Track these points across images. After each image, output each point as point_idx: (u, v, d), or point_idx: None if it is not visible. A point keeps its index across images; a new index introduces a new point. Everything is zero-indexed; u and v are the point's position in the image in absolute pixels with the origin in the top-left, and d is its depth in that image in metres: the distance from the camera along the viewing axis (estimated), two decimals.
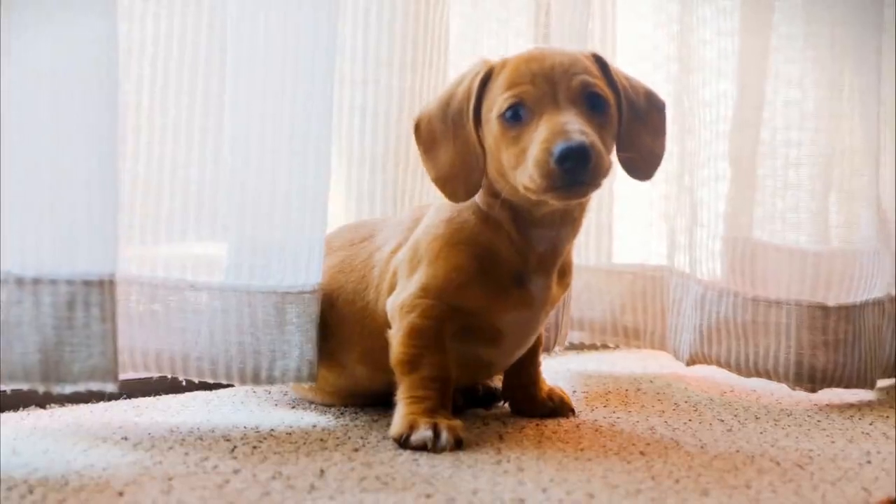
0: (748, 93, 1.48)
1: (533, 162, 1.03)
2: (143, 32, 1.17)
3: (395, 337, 1.14)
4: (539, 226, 1.13)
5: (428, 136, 1.14)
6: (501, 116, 1.08)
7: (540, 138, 1.03)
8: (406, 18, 1.40)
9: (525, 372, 1.27)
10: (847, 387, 1.44)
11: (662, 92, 1.57)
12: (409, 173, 1.43)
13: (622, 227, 1.69)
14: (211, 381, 1.19)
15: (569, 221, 1.14)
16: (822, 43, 1.47)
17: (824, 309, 1.42)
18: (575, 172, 1.01)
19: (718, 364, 1.48)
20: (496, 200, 1.13)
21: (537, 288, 1.15)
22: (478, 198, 1.14)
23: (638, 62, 1.64)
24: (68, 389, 1.01)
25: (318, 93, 1.17)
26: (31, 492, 0.89)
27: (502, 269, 1.13)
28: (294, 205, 1.18)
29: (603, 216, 1.64)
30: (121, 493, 0.89)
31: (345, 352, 1.21)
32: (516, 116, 1.07)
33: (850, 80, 1.48)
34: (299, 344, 1.18)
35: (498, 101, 1.08)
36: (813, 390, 1.44)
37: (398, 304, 1.14)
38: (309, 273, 1.19)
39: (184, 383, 1.24)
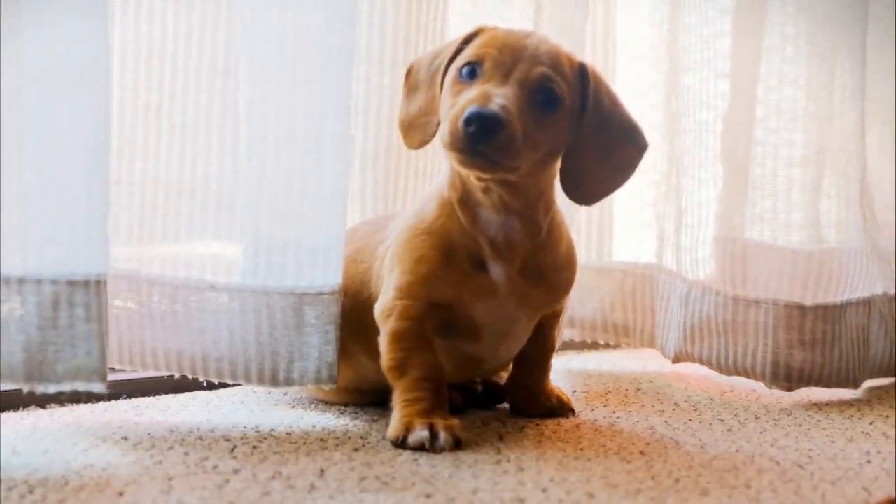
0: (739, 93, 1.48)
1: (449, 117, 1.05)
2: (163, 32, 1.17)
3: (382, 343, 1.14)
4: (482, 206, 1.13)
5: (413, 81, 1.18)
6: (458, 70, 1.09)
7: (465, 98, 1.05)
8: (398, 16, 1.40)
9: (532, 373, 1.26)
10: (827, 386, 1.44)
11: (660, 92, 1.58)
12: (400, 172, 1.43)
13: (617, 226, 1.68)
14: (231, 381, 1.19)
15: (512, 211, 1.13)
16: (812, 42, 1.47)
17: (801, 308, 1.43)
18: (476, 139, 1.02)
19: (701, 362, 1.49)
20: (457, 179, 1.14)
21: (498, 275, 1.14)
22: (446, 181, 1.15)
23: (635, 61, 1.64)
24: (52, 389, 1.01)
25: (334, 91, 1.17)
26: (31, 492, 0.89)
27: (461, 254, 1.13)
28: (311, 204, 1.18)
29: (594, 214, 1.64)
30: (121, 493, 0.89)
31: (352, 341, 1.21)
32: (471, 74, 1.08)
33: (841, 80, 1.48)
34: (318, 346, 1.18)
35: (463, 55, 1.10)
36: (789, 389, 1.44)
37: (380, 309, 1.15)
38: (327, 273, 1.18)
39: (204, 383, 1.24)
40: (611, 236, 1.66)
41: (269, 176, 1.17)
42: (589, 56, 1.56)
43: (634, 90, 1.63)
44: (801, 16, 1.47)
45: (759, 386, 1.50)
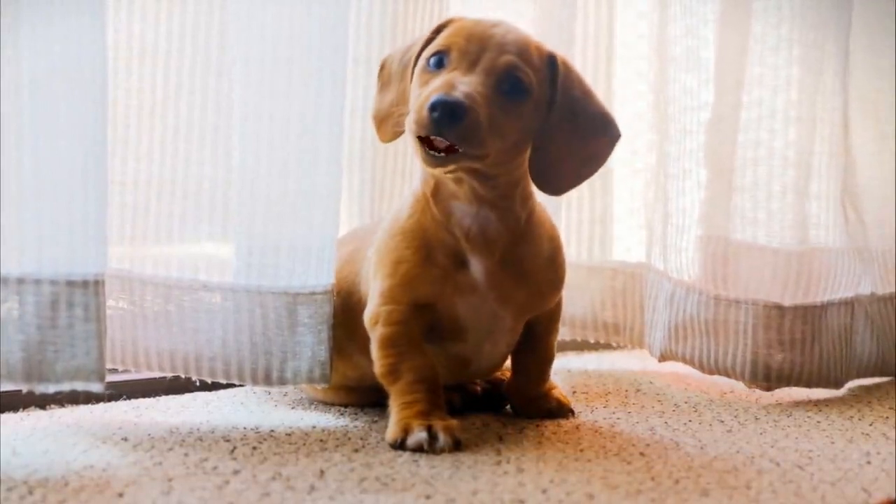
0: (723, 94, 1.49)
1: (415, 106, 1.05)
2: (156, 32, 1.18)
3: (373, 350, 1.14)
4: (456, 198, 1.13)
5: (386, 76, 1.18)
6: (426, 60, 1.10)
7: (431, 87, 1.05)
8: (384, 17, 1.40)
9: (531, 381, 1.26)
10: (807, 386, 1.45)
11: (656, 91, 1.58)
12: (387, 172, 1.43)
13: (617, 225, 1.68)
14: (224, 381, 1.20)
15: (486, 202, 1.12)
16: (794, 45, 1.47)
17: (780, 308, 1.43)
18: (440, 125, 1.01)
19: (684, 361, 1.49)
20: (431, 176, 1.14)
21: (477, 271, 1.13)
22: (420, 177, 1.15)
23: (635, 61, 1.64)
24: (52, 389, 1.02)
25: (328, 92, 1.17)
26: (31, 493, 0.89)
27: (439, 251, 1.13)
28: (305, 204, 1.18)
29: (585, 214, 1.63)
30: (121, 494, 0.89)
31: (349, 340, 1.22)
32: (439, 63, 1.08)
33: (825, 81, 1.49)
34: (311, 345, 1.18)
35: (431, 46, 1.10)
36: (769, 389, 1.45)
37: (368, 316, 1.15)
38: (320, 273, 1.19)
39: (197, 383, 1.24)
40: (609, 235, 1.66)
41: (262, 176, 1.17)
42: (580, 54, 1.57)
43: (634, 90, 1.63)
44: (785, 17, 1.47)
45: None
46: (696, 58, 1.49)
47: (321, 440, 1.12)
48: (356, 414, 1.25)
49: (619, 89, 1.63)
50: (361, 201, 1.43)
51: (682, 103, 1.50)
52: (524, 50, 1.10)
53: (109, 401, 1.27)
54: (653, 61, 1.58)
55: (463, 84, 1.04)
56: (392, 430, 1.10)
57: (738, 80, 1.49)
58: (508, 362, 1.28)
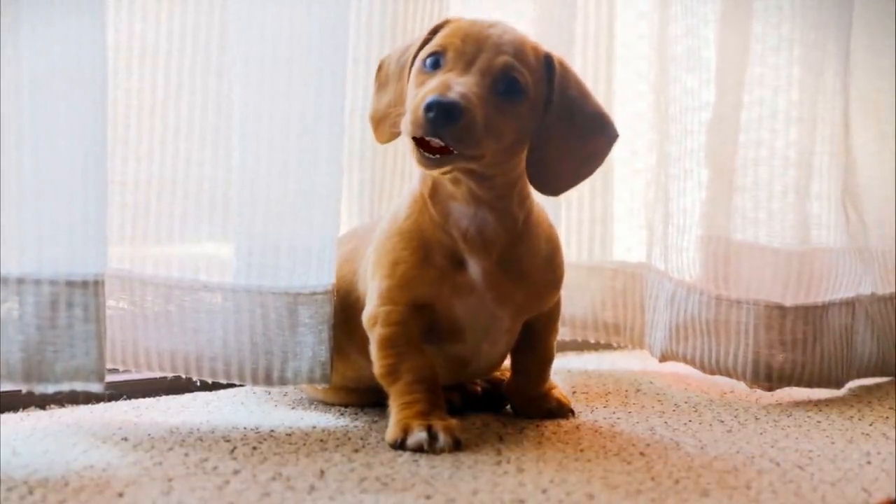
0: (725, 94, 1.49)
1: (411, 107, 1.04)
2: (157, 32, 1.18)
3: (372, 351, 1.14)
4: (454, 198, 1.13)
5: (384, 76, 1.18)
6: (422, 61, 1.09)
7: (427, 88, 1.05)
8: (384, 17, 1.40)
9: (531, 381, 1.26)
10: (808, 386, 1.45)
11: (657, 91, 1.58)
12: (387, 172, 1.44)
13: (618, 225, 1.68)
14: (224, 381, 1.20)
15: (484, 203, 1.12)
16: (795, 45, 1.47)
17: (781, 309, 1.43)
18: (436, 126, 1.01)
19: (685, 361, 1.49)
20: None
21: (475, 271, 1.13)
22: (419, 177, 1.15)
23: (635, 61, 1.64)
24: (51, 389, 1.02)
25: (328, 92, 1.17)
26: (31, 493, 0.89)
27: (436, 251, 1.13)
28: (305, 204, 1.18)
29: (585, 214, 1.63)
30: (121, 494, 0.89)
31: (347, 339, 1.22)
32: (435, 64, 1.08)
33: (826, 82, 1.49)
34: (311, 345, 1.18)
35: (427, 46, 1.10)
36: (770, 389, 1.45)
37: (367, 317, 1.15)
38: (321, 273, 1.19)
39: (197, 383, 1.24)
40: (610, 235, 1.66)
41: (262, 176, 1.17)
42: (580, 54, 1.57)
43: (635, 91, 1.63)
44: (785, 17, 1.47)
45: None
46: (697, 58, 1.49)
47: (321, 440, 1.12)
48: (356, 414, 1.25)
49: (619, 89, 1.63)
50: (361, 201, 1.43)
51: (683, 103, 1.50)
52: (520, 50, 1.10)
53: (109, 401, 1.27)
54: (653, 61, 1.58)
55: (459, 85, 1.04)
56: (392, 431, 1.10)
57: (739, 80, 1.49)
58: (508, 362, 1.28)
